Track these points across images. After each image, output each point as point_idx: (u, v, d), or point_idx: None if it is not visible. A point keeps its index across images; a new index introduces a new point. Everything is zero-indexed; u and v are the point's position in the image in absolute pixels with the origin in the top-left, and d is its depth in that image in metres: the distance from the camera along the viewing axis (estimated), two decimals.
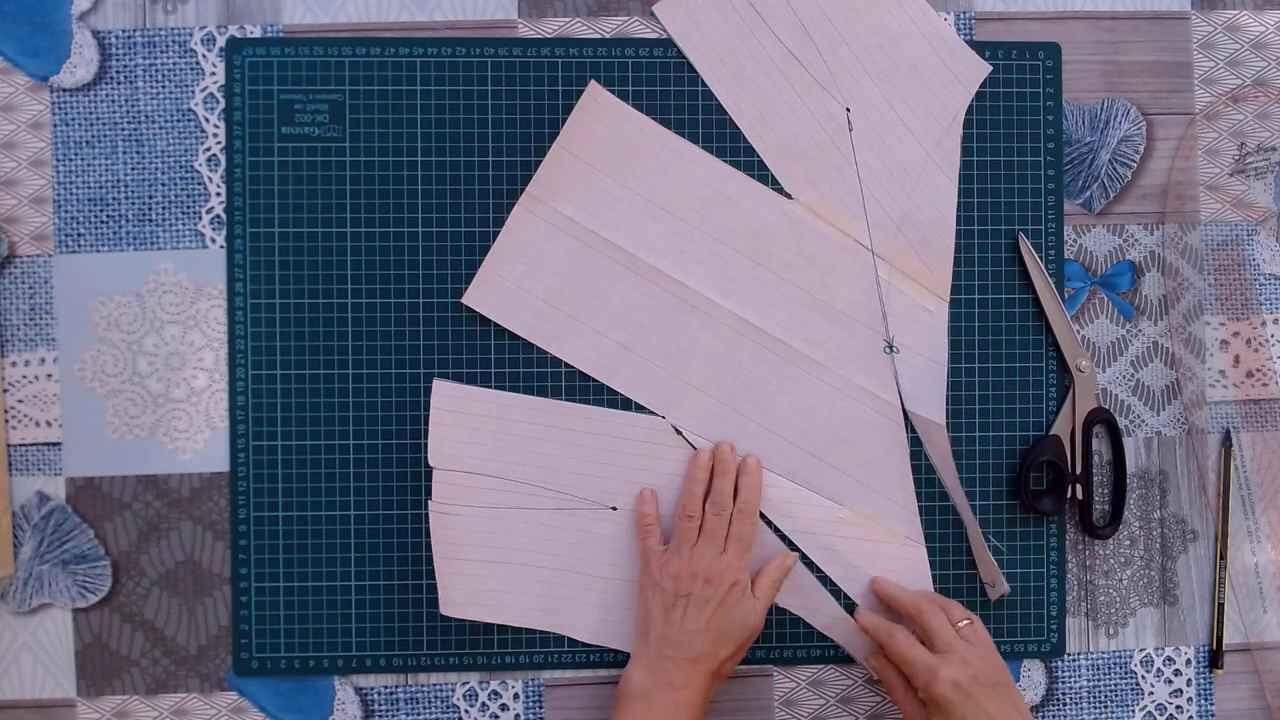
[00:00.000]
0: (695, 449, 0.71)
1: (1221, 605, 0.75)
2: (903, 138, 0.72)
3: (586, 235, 0.71)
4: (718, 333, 0.72)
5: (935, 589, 0.73)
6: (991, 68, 0.73)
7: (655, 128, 0.72)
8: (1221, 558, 0.75)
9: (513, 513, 0.71)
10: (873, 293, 0.72)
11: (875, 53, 0.72)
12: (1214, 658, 0.75)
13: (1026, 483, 0.72)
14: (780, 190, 0.72)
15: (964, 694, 0.63)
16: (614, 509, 0.72)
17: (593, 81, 0.71)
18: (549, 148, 0.72)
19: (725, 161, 0.72)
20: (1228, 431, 0.75)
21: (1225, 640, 0.75)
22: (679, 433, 0.72)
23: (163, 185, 0.72)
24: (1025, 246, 0.73)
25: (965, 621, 0.67)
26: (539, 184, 0.71)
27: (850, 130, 0.72)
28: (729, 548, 0.67)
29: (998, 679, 0.65)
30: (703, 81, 0.72)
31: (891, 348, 0.72)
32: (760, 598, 0.68)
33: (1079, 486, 0.73)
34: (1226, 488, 0.75)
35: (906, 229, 0.72)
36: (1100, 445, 0.74)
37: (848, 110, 0.72)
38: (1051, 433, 0.73)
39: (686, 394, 0.72)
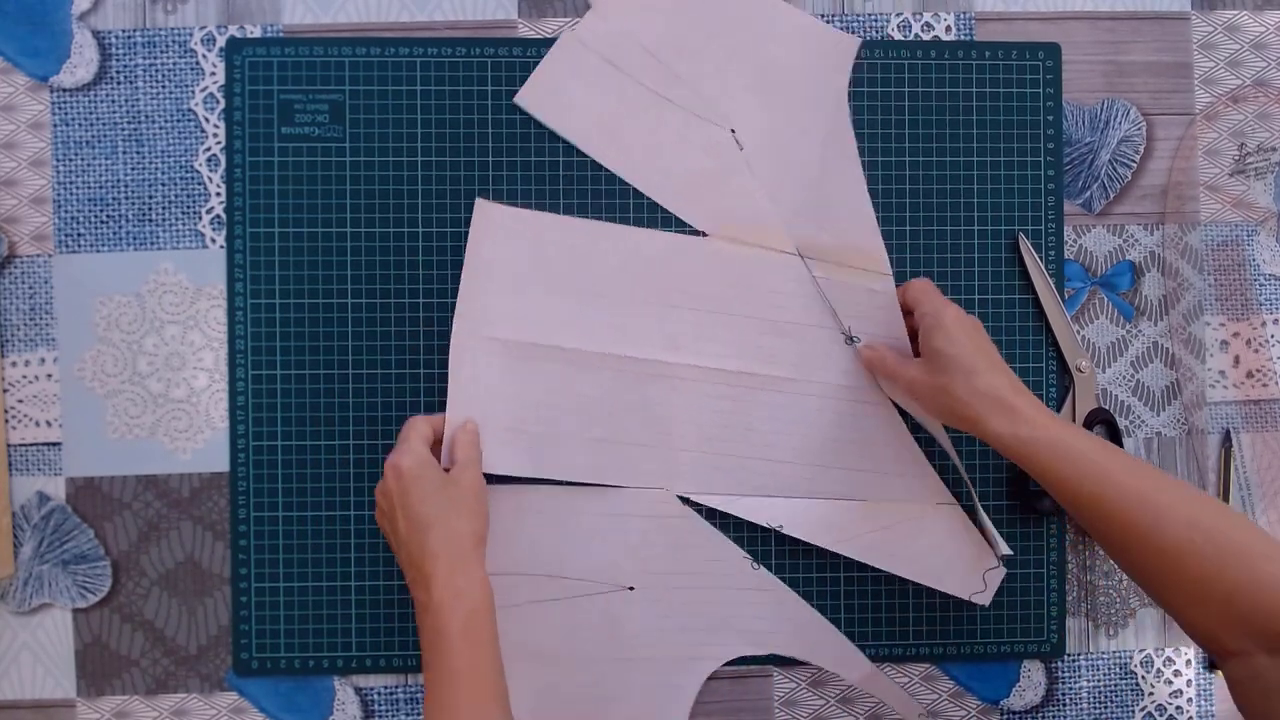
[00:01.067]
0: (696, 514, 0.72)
1: None
2: (793, 138, 0.71)
3: (527, 350, 0.70)
4: (685, 390, 0.71)
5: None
6: (861, 40, 0.72)
7: (554, 220, 0.71)
8: None
9: (531, 607, 0.70)
10: (815, 295, 0.72)
11: (743, 66, 0.71)
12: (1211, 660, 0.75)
13: (1026, 483, 0.72)
14: (694, 231, 0.72)
15: (966, 327, 0.64)
16: (631, 589, 0.71)
17: (479, 199, 0.70)
18: (549, 147, 0.72)
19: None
20: (1228, 432, 0.75)
21: None
22: (685, 500, 0.71)
23: (163, 185, 0.72)
24: (1025, 246, 0.73)
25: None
26: (464, 318, 0.70)
27: (741, 149, 0.71)
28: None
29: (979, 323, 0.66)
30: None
31: (851, 338, 0.71)
32: (459, 460, 0.65)
33: None
34: (1226, 488, 0.75)
35: (825, 222, 0.71)
36: None
37: (733, 131, 0.71)
38: None
39: (679, 459, 0.71)
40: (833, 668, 0.72)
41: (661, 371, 0.71)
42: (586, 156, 0.72)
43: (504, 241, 0.70)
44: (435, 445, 0.67)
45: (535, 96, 0.71)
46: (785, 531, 0.71)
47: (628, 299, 0.71)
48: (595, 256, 0.71)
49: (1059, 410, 0.73)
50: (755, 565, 0.72)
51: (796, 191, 0.71)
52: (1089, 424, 0.73)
